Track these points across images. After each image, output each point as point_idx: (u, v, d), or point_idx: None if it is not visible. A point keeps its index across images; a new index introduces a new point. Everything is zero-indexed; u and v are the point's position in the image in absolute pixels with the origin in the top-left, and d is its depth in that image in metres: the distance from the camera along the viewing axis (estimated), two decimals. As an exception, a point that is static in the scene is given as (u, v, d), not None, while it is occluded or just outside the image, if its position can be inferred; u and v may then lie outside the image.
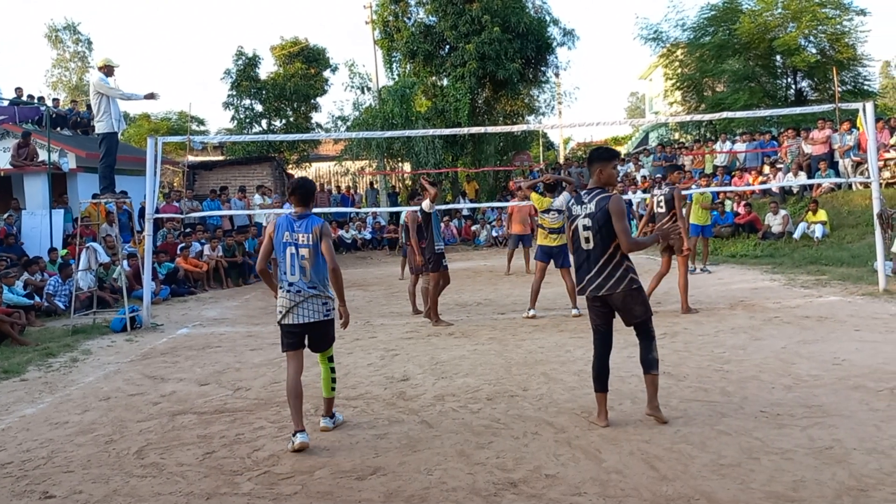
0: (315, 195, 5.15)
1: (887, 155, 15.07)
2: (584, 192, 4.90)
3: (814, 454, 4.19)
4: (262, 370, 7.07)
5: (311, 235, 4.85)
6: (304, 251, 4.84)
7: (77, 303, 10.54)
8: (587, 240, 4.79)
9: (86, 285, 11.23)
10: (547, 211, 9.26)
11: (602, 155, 4.93)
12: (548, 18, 25.98)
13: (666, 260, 9.19)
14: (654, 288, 9.10)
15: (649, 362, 4.82)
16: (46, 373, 7.34)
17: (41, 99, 21.13)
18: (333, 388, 5.13)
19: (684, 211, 9.46)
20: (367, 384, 6.30)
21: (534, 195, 9.48)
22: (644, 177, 20.92)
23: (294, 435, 4.71)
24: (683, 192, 9.55)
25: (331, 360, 5.16)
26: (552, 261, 9.34)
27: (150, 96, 10.17)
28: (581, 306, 9.35)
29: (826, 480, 3.83)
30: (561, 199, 9.22)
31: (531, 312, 9.33)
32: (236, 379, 6.75)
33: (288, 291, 4.88)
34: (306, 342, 4.99)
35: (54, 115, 18.81)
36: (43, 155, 16.13)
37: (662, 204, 9.10)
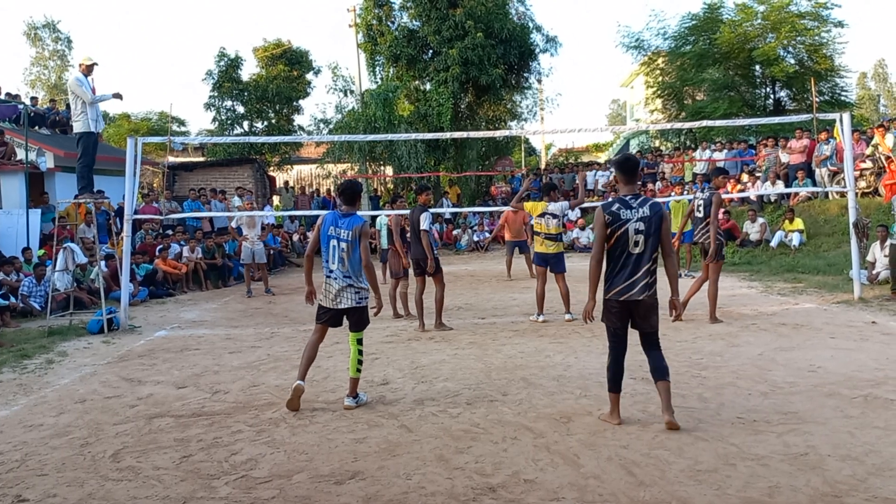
0: (360, 196, 5.88)
1: (863, 165, 15.27)
2: (629, 197, 4.84)
3: (789, 460, 4.24)
4: (240, 373, 7.02)
5: (351, 232, 5.56)
6: (343, 244, 5.57)
7: (54, 304, 10.39)
8: (637, 243, 4.75)
9: (62, 286, 11.08)
10: (542, 215, 9.17)
11: (637, 163, 5.13)
12: (531, 25, 26.18)
13: (705, 266, 8.93)
14: (691, 296, 8.85)
15: (663, 370, 4.88)
16: (21, 374, 7.23)
17: (17, 97, 20.89)
18: (359, 370, 5.70)
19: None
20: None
21: (527, 204, 9.48)
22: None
23: (296, 381, 5.62)
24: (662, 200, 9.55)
25: (360, 342, 5.70)
26: (548, 266, 9.29)
27: (117, 96, 10.18)
28: (575, 312, 9.31)
29: (801, 486, 3.88)
30: (559, 205, 9.21)
31: (541, 318, 9.27)
32: (214, 382, 6.70)
33: (328, 277, 5.66)
34: (344, 322, 5.74)
35: (32, 114, 18.57)
36: (20, 154, 15.92)
37: (702, 208, 8.96)
